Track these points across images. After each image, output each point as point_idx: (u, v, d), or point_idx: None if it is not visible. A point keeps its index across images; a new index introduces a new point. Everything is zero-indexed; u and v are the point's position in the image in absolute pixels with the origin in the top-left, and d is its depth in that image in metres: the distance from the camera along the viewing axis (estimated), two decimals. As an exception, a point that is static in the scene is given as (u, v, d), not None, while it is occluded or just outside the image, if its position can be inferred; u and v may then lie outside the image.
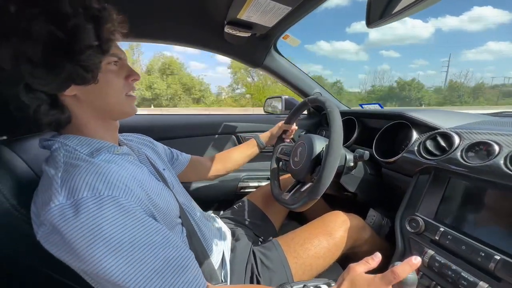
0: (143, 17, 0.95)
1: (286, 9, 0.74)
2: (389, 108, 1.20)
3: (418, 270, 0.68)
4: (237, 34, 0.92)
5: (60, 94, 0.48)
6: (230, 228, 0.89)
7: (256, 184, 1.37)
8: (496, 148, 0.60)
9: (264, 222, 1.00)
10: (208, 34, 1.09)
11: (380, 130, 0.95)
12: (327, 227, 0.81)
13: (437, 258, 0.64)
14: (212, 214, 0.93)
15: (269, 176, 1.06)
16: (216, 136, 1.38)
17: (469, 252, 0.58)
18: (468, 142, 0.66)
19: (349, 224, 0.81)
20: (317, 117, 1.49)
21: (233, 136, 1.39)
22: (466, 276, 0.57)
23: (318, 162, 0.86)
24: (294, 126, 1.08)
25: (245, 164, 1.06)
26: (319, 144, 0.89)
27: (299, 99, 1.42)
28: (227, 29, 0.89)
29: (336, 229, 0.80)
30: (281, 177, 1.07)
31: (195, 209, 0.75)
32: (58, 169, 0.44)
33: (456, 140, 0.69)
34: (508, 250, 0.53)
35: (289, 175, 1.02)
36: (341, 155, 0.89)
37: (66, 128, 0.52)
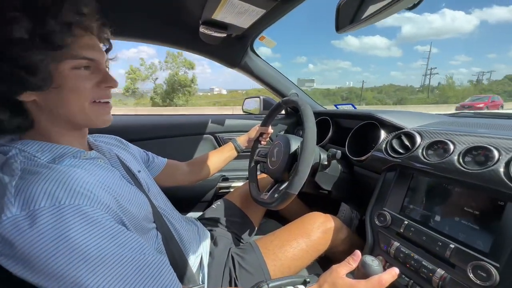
0: (114, 13, 0.91)
1: (260, 11, 0.75)
2: (360, 109, 1.26)
3: (385, 261, 0.73)
4: (213, 34, 0.91)
5: (20, 99, 0.44)
6: (209, 230, 0.89)
7: (236, 184, 1.37)
8: (451, 146, 0.65)
9: (243, 220, 1.00)
10: (183, 33, 1.07)
11: (352, 130, 1.00)
12: (306, 228, 0.82)
13: (402, 249, 0.69)
14: (191, 216, 0.92)
15: (248, 179, 1.07)
16: (195, 136, 1.37)
17: (429, 242, 0.63)
18: (428, 141, 0.72)
19: (327, 225, 0.84)
20: (294, 117, 1.53)
21: (211, 136, 1.38)
22: (426, 265, 0.62)
23: (294, 160, 0.88)
24: (270, 129, 1.09)
25: (223, 167, 1.06)
26: (295, 143, 0.91)
27: (277, 100, 1.45)
28: (202, 29, 0.88)
29: (314, 230, 0.82)
30: (260, 178, 1.08)
31: (173, 212, 0.74)
32: (13, 176, 0.40)
33: (418, 139, 0.74)
34: (461, 239, 0.59)
35: (268, 176, 1.04)
36: (316, 154, 0.93)
37: (28, 133, 0.48)
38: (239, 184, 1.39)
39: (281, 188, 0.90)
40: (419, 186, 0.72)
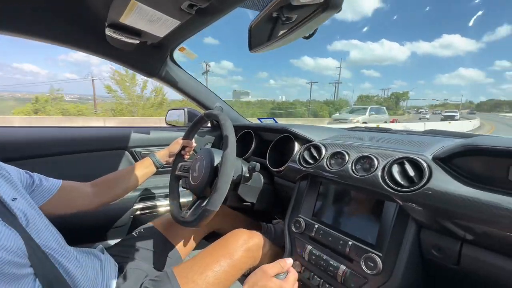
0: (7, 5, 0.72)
1: (175, 22, 0.73)
2: (278, 123, 1.36)
3: (301, 266, 0.78)
4: (123, 39, 0.82)
5: None
6: (119, 263, 0.76)
7: (155, 203, 1.25)
8: (347, 156, 0.77)
9: (165, 250, 0.91)
10: (89, 35, 0.93)
11: (272, 143, 1.06)
12: (228, 248, 0.80)
13: (314, 251, 0.75)
14: (102, 247, 0.77)
15: (169, 197, 0.99)
16: (105, 152, 1.18)
17: (334, 242, 0.71)
18: (331, 152, 0.82)
19: (250, 243, 0.83)
20: (220, 129, 1.53)
21: (126, 152, 1.22)
22: (332, 263, 0.69)
23: (216, 174, 0.86)
24: (193, 143, 1.05)
25: (139, 186, 0.95)
26: (217, 157, 0.90)
27: (202, 112, 1.42)
28: (109, 32, 0.78)
29: (237, 250, 0.80)
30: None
31: (64, 249, 0.59)
32: None
33: (323, 151, 0.85)
34: (357, 235, 0.69)
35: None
36: (237, 167, 0.94)
37: None
38: (162, 203, 1.27)
39: (203, 205, 0.87)
40: (326, 192, 0.82)
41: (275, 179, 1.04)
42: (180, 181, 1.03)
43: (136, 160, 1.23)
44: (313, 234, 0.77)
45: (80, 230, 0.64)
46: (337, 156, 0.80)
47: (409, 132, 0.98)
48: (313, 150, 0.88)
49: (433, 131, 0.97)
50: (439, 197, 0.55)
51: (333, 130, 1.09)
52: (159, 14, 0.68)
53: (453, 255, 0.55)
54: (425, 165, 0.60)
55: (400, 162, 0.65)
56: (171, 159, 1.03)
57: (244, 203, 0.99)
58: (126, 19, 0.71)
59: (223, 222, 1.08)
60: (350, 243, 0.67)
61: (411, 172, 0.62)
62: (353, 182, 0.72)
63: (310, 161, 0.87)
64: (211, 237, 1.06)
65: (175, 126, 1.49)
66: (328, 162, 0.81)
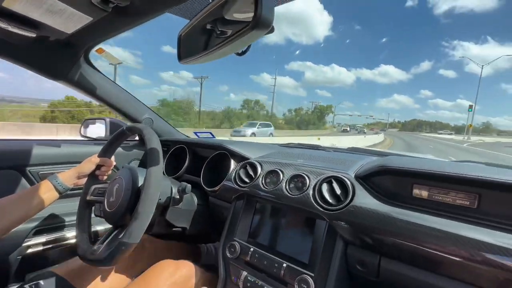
0: None
1: (86, 18, 0.60)
2: (215, 138, 1.31)
3: None
4: (10, 29, 0.64)
5: None
6: None
7: (56, 236, 0.99)
8: (281, 175, 0.77)
9: None
10: None
11: (207, 160, 0.99)
12: (151, 284, 0.69)
13: (249, 278, 0.70)
14: None
15: (76, 228, 0.80)
16: None
17: (269, 266, 0.68)
18: (266, 170, 0.81)
19: (176, 275, 0.74)
20: None
21: (15, 172, 0.94)
22: None
23: (139, 198, 0.74)
24: (112, 161, 0.89)
25: (33, 216, 0.73)
26: (141, 177, 0.77)
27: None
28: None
29: (160, 285, 0.70)
30: None
31: None
32: None
33: (259, 169, 0.83)
34: (293, 256, 0.67)
35: None
36: (166, 187, 0.83)
37: None
38: (63, 235, 1.02)
39: (121, 236, 0.72)
40: (262, 212, 0.79)
41: (210, 200, 0.96)
42: (93, 207, 0.85)
43: (31, 183, 0.97)
44: (248, 259, 0.72)
45: None
46: (272, 174, 0.79)
47: (335, 150, 1.06)
48: (249, 168, 0.86)
49: (355, 148, 1.08)
50: (361, 214, 0.59)
51: (269, 147, 1.09)
52: (62, 5, 0.55)
53: (373, 269, 0.58)
54: (349, 183, 0.64)
55: (328, 180, 0.68)
56: (81, 181, 0.85)
57: (174, 229, 0.88)
58: (13, 4, 0.55)
59: (154, 256, 0.93)
60: (284, 265, 0.66)
61: (338, 191, 0.65)
62: (287, 202, 0.72)
63: (246, 179, 0.84)
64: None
65: (93, 140, 1.26)
66: (263, 181, 0.79)
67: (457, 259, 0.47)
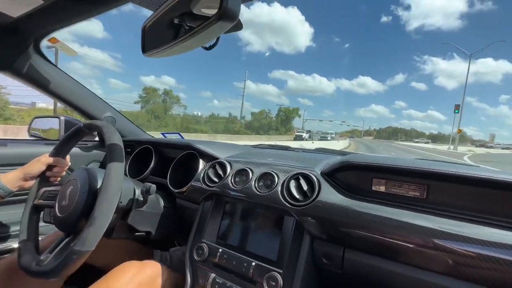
0: None
1: (36, 1, 0.55)
2: (182, 139, 1.26)
3: None
4: None
5: None
6: None
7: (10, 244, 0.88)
8: (250, 174, 0.76)
9: None
10: None
11: (174, 160, 0.96)
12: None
13: (217, 280, 0.68)
14: None
15: (19, 236, 0.71)
16: None
17: (238, 266, 0.67)
18: (235, 169, 0.80)
19: (141, 277, 0.69)
20: None
21: None
22: None
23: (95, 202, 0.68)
24: (67, 161, 0.81)
25: None
26: (100, 179, 0.72)
27: None
28: None
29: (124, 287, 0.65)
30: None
31: None
32: None
33: (228, 168, 0.82)
34: (261, 254, 0.67)
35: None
36: (128, 189, 0.78)
37: None
38: (12, 245, 0.91)
39: (73, 244, 0.65)
40: (231, 212, 0.78)
41: (177, 201, 0.92)
42: (42, 213, 0.76)
43: None
44: (216, 260, 0.70)
45: None
46: (242, 173, 0.79)
47: (304, 150, 1.09)
48: (218, 167, 0.84)
49: (322, 149, 1.12)
50: (326, 209, 0.61)
51: (239, 147, 1.09)
52: (4, -16, 0.49)
53: (338, 261, 0.60)
54: (315, 179, 0.66)
55: (296, 177, 0.69)
56: (27, 184, 0.76)
57: (137, 233, 0.82)
58: None
59: (105, 257, 0.86)
60: (253, 263, 0.65)
61: (305, 187, 0.67)
62: (256, 200, 0.71)
63: (215, 179, 0.82)
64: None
65: (44, 140, 1.14)
66: (233, 180, 0.78)
67: (411, 246, 0.51)
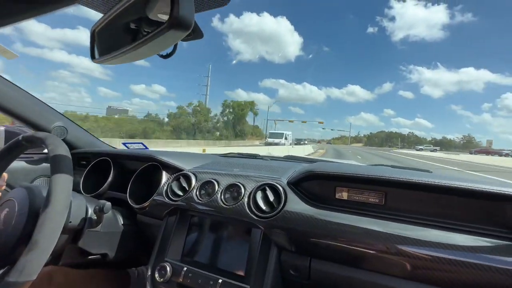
0: None
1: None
2: (146, 150, 1.19)
3: None
4: None
5: None
6: None
7: None
8: (216, 186, 0.74)
9: None
10: None
11: (135, 174, 0.89)
12: None
13: None
14: None
15: None
16: None
17: (203, 285, 0.63)
18: (201, 181, 0.77)
19: None
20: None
21: None
22: None
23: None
24: (4, 178, 0.71)
25: None
26: (40, 199, 0.63)
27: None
28: None
29: None
30: None
31: None
32: None
33: (193, 180, 0.78)
34: (229, 269, 0.64)
35: None
36: (79, 207, 0.70)
37: None
38: None
39: (8, 277, 0.56)
40: (197, 227, 0.74)
41: (138, 218, 0.85)
42: None
43: None
44: (181, 280, 0.66)
45: None
46: (207, 185, 0.75)
47: (272, 158, 1.09)
48: (182, 180, 0.80)
49: (291, 157, 1.13)
50: (292, 219, 0.60)
51: (206, 157, 1.05)
52: None
53: (305, 271, 0.60)
54: (281, 190, 0.66)
55: (263, 188, 0.68)
56: None
57: (90, 257, 0.74)
58: None
59: None
60: (220, 281, 0.62)
61: (271, 197, 0.66)
62: (223, 213, 0.69)
63: (179, 192, 0.77)
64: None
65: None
66: (198, 193, 0.74)
67: (371, 251, 0.52)
